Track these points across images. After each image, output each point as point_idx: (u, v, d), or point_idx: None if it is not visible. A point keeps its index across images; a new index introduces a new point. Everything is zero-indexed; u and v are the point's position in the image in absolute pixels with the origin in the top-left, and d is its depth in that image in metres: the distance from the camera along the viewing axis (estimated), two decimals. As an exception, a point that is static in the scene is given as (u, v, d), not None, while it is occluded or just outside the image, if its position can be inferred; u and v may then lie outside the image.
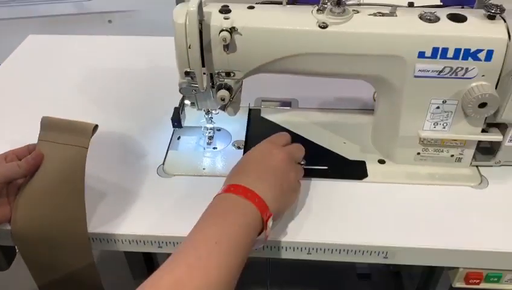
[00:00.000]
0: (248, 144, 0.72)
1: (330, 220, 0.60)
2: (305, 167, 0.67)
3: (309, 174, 0.67)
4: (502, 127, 0.64)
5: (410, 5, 0.63)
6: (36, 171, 0.59)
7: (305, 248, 0.59)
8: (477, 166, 0.68)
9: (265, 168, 0.57)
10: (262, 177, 0.55)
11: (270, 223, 0.52)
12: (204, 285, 0.44)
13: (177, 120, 0.68)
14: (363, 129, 0.74)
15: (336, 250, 0.59)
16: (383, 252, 0.58)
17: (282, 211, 0.58)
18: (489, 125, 0.64)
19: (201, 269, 0.45)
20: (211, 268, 0.45)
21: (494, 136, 0.63)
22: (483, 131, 0.64)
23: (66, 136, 0.60)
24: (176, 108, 0.68)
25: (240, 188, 0.53)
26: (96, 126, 0.61)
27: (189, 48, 0.58)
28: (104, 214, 0.61)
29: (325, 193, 0.64)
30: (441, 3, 0.64)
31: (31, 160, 0.58)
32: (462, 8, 0.63)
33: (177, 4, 0.61)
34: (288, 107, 0.81)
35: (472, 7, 0.64)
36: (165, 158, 0.70)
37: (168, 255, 0.48)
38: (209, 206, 0.52)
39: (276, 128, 0.76)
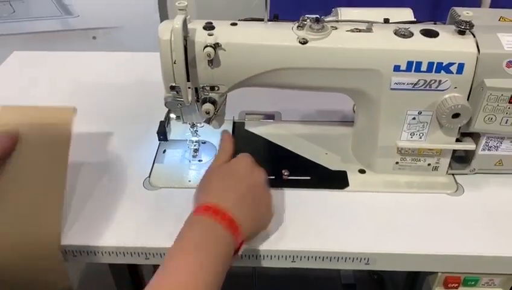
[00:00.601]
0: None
1: (313, 229, 0.62)
2: (288, 177, 0.69)
3: (292, 184, 0.69)
4: (475, 136, 0.67)
5: (386, 21, 0.66)
6: (10, 157, 0.53)
7: (290, 256, 0.60)
8: (453, 174, 0.70)
9: (246, 189, 0.56)
10: (243, 201, 0.54)
11: (241, 251, 0.53)
12: None
13: (162, 133, 0.69)
14: (343, 140, 0.77)
15: (320, 257, 0.60)
16: (364, 259, 0.60)
17: (256, 234, 0.58)
18: (463, 135, 0.67)
19: None
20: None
21: (467, 145, 0.66)
22: (457, 140, 0.67)
23: (46, 116, 0.55)
24: (161, 122, 0.70)
25: (221, 214, 0.51)
26: (75, 108, 0.56)
27: (175, 63, 0.60)
28: (89, 226, 0.62)
29: (308, 202, 0.66)
30: (415, 20, 0.68)
31: (5, 138, 0.53)
32: (435, 24, 0.66)
33: (161, 21, 0.63)
34: (272, 120, 0.83)
35: (444, 23, 0.68)
36: (151, 171, 0.71)
37: (156, 266, 0.49)
38: (188, 227, 0.51)
39: (260, 140, 0.78)
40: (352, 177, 0.70)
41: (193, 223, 0.52)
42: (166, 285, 0.45)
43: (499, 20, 0.66)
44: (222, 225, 0.51)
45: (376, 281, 1.26)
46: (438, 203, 0.66)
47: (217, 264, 0.49)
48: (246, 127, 0.80)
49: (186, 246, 0.49)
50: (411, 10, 0.69)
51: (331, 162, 0.73)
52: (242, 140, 0.78)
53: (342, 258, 0.60)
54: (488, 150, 0.67)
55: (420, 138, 0.66)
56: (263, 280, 1.17)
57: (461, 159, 0.71)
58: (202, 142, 0.76)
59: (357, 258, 0.60)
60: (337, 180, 0.69)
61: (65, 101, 0.87)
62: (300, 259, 0.60)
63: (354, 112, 0.77)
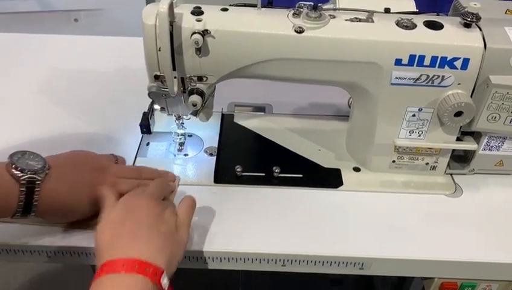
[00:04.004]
0: (221, 151, 0.70)
1: (305, 231, 0.59)
2: (279, 175, 0.65)
3: (283, 182, 0.65)
4: (476, 136, 0.64)
5: (387, 11, 0.62)
6: None
7: (280, 260, 0.57)
8: (451, 174, 0.67)
9: (132, 225, 0.48)
10: (133, 237, 0.46)
11: (164, 280, 0.44)
12: None
13: (145, 126, 0.64)
14: (337, 136, 0.73)
15: (311, 261, 0.57)
16: (358, 263, 0.57)
17: (178, 254, 0.49)
18: (464, 134, 0.64)
19: None
20: None
21: (469, 145, 0.63)
22: (458, 139, 0.63)
23: None
24: (144, 113, 0.65)
25: (112, 263, 0.43)
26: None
27: (159, 50, 0.55)
28: (67, 225, 0.57)
29: (300, 202, 0.62)
30: (417, 10, 0.64)
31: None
32: (438, 15, 0.62)
33: (147, 4, 0.58)
34: (262, 113, 0.79)
35: (447, 14, 0.64)
36: (133, 165, 0.66)
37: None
38: None
39: (250, 134, 0.74)
40: (347, 175, 0.66)
41: (95, 287, 0.43)
42: None
43: (505, 13, 0.62)
44: (119, 272, 0.43)
45: (365, 277, 1.24)
46: (435, 204, 0.63)
47: None
48: (235, 120, 0.76)
49: None
50: (413, 0, 0.65)
51: (324, 159, 0.69)
52: (231, 134, 0.74)
53: (335, 262, 0.57)
54: (489, 150, 0.64)
55: (419, 136, 0.63)
56: (248, 272, 1.14)
57: (460, 159, 0.68)
58: (188, 135, 0.72)
59: (350, 263, 0.57)
60: (330, 178, 0.66)
61: (42, 87, 0.82)
62: (291, 263, 0.57)
63: (350, 106, 0.74)
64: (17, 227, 0.56)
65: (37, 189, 0.49)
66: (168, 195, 0.57)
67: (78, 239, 0.56)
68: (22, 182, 0.48)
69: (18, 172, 0.48)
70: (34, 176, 0.49)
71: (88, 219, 0.55)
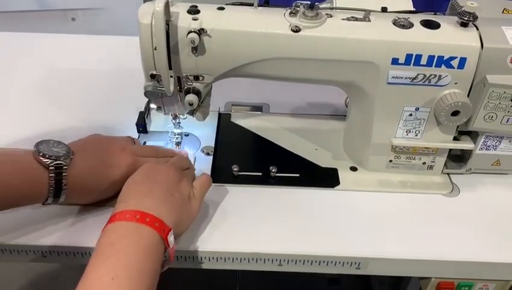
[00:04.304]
0: (218, 150, 0.70)
1: (302, 230, 0.58)
2: (276, 174, 0.65)
3: (280, 182, 0.65)
4: (473, 135, 0.64)
5: (384, 10, 0.62)
6: None
7: (276, 260, 0.57)
8: (448, 174, 0.67)
9: (150, 185, 0.52)
10: (149, 195, 0.50)
11: (171, 237, 0.48)
12: None
13: (142, 125, 0.64)
14: (334, 135, 0.73)
15: (308, 261, 0.57)
16: (355, 263, 0.57)
17: (185, 222, 0.53)
18: (461, 133, 0.64)
19: None
20: None
21: (466, 145, 0.63)
22: (455, 138, 0.63)
23: None
24: (141, 112, 0.65)
25: (126, 213, 0.47)
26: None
27: (155, 49, 0.55)
28: (64, 225, 0.57)
29: (297, 202, 0.62)
30: (414, 9, 0.63)
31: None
32: (435, 14, 0.62)
33: (144, 3, 0.57)
34: (259, 112, 0.78)
35: (444, 13, 0.64)
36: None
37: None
38: (97, 242, 0.46)
39: (247, 133, 0.74)
40: (344, 175, 0.66)
41: (100, 236, 0.47)
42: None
43: (503, 12, 0.62)
44: (130, 220, 0.47)
45: (362, 277, 1.24)
46: (432, 204, 0.63)
47: (138, 262, 0.44)
48: (232, 119, 0.76)
49: (97, 256, 0.44)
50: (410, -1, 0.65)
51: (321, 158, 0.69)
52: (228, 133, 0.74)
53: (332, 262, 0.57)
54: (486, 149, 0.64)
55: (416, 135, 0.63)
56: (246, 272, 1.14)
57: (457, 158, 0.68)
58: (185, 135, 0.71)
59: (347, 263, 0.57)
60: (327, 178, 0.66)
61: (38, 86, 0.81)
62: (288, 263, 0.57)
63: (347, 105, 0.74)
64: (12, 226, 0.56)
65: (64, 174, 0.51)
66: (190, 171, 0.60)
67: (75, 239, 0.56)
68: (51, 168, 0.51)
69: (46, 159, 0.51)
70: (60, 161, 0.51)
71: (109, 199, 0.57)
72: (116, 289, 0.41)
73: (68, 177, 0.52)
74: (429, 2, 0.94)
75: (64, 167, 0.51)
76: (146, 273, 0.44)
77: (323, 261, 0.57)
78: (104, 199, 0.57)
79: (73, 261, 0.56)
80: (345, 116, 0.73)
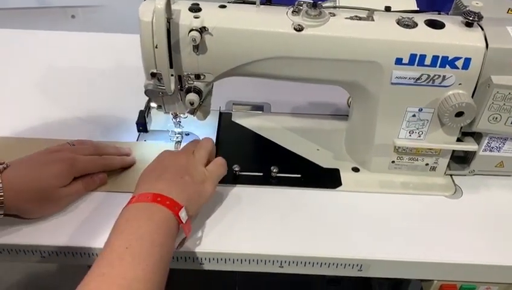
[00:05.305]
0: (218, 150, 0.69)
1: (303, 232, 0.58)
2: (277, 175, 0.65)
3: (281, 182, 0.64)
4: (476, 136, 0.63)
5: (387, 9, 0.61)
6: None
7: (277, 261, 0.56)
8: (451, 175, 0.67)
9: (160, 170, 0.56)
10: (160, 178, 0.54)
11: (182, 214, 0.51)
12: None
13: (142, 124, 0.64)
14: (336, 135, 0.72)
15: (309, 263, 0.56)
16: (357, 265, 0.56)
17: (197, 202, 0.55)
18: (464, 134, 0.63)
19: (116, 277, 0.43)
20: (126, 273, 0.43)
21: (469, 146, 0.62)
22: (458, 140, 0.63)
23: None
24: (141, 111, 0.65)
25: (138, 196, 0.51)
26: None
27: (156, 47, 0.54)
28: (66, 225, 0.57)
29: (298, 203, 0.62)
30: (418, 9, 0.63)
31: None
32: (439, 14, 0.61)
33: (144, 0, 0.57)
34: (261, 112, 0.78)
35: (447, 13, 0.63)
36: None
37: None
38: (114, 224, 0.49)
39: (248, 133, 0.73)
40: (345, 175, 0.66)
41: (117, 219, 0.50)
42: (103, 265, 0.44)
43: (508, 12, 0.61)
44: (142, 201, 0.50)
45: (362, 277, 1.23)
46: (435, 206, 0.62)
47: (151, 234, 0.47)
48: (233, 119, 0.75)
49: (112, 232, 0.48)
50: (414, -2, 0.64)
51: (323, 159, 0.68)
52: (228, 132, 0.73)
53: (333, 264, 0.56)
54: (490, 150, 0.64)
55: (419, 136, 0.62)
56: (246, 272, 1.14)
57: (460, 160, 0.67)
58: (185, 134, 0.71)
59: (349, 265, 0.56)
60: (329, 179, 0.65)
61: (37, 84, 0.81)
62: (289, 264, 0.56)
63: (349, 105, 0.73)
64: (13, 226, 0.55)
65: None
66: (202, 154, 0.60)
67: (73, 239, 0.55)
68: None
69: None
70: None
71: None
72: (130, 257, 0.44)
73: (3, 181, 0.52)
74: (432, 1, 0.93)
75: None
76: (158, 244, 0.47)
77: (325, 263, 0.56)
78: (51, 209, 0.57)
79: (80, 261, 0.56)
80: (347, 116, 0.73)
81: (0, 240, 0.55)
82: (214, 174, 0.58)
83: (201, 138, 0.70)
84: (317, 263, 0.56)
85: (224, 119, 0.75)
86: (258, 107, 0.79)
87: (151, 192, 0.51)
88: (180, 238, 0.52)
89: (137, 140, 0.70)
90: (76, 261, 0.56)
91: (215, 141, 0.70)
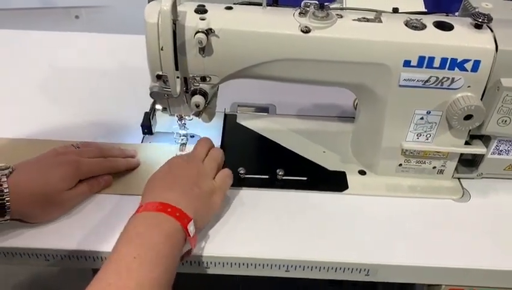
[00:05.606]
0: (223, 152, 0.68)
1: (310, 235, 0.57)
2: (283, 177, 0.64)
3: (287, 185, 0.64)
4: (485, 139, 0.62)
5: (395, 10, 0.60)
6: None
7: (283, 266, 0.56)
8: (458, 178, 0.66)
9: (171, 179, 0.55)
10: (170, 188, 0.53)
11: (191, 227, 0.50)
12: None
13: (147, 126, 0.63)
14: (342, 138, 0.71)
15: (316, 267, 0.56)
16: (364, 270, 0.56)
17: (206, 215, 0.55)
18: (472, 137, 0.62)
19: (122, 287, 0.43)
20: (132, 283, 0.43)
21: (477, 149, 0.61)
22: (466, 143, 0.62)
23: None
24: (146, 113, 0.64)
25: (148, 205, 0.50)
26: None
27: (162, 49, 0.54)
28: (70, 228, 0.56)
29: (305, 206, 0.61)
30: (425, 10, 0.62)
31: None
32: (447, 15, 0.61)
33: (149, 1, 0.56)
34: (266, 113, 0.77)
35: (453, 14, 0.62)
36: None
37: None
38: (122, 231, 0.49)
39: (253, 135, 0.72)
40: (352, 178, 0.65)
41: (125, 226, 0.50)
42: (110, 274, 0.44)
43: (517, 13, 0.61)
44: (151, 211, 0.50)
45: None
46: (443, 209, 0.62)
47: (158, 246, 0.47)
48: (238, 120, 0.75)
49: (120, 240, 0.48)
50: (422, 0, 0.63)
51: (329, 161, 0.68)
52: (233, 134, 0.72)
53: (340, 268, 0.56)
54: (498, 154, 0.63)
55: (427, 139, 0.61)
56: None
57: (468, 163, 0.66)
58: (191, 136, 0.70)
59: (356, 269, 0.56)
60: (335, 181, 0.64)
61: (41, 85, 0.80)
62: (295, 269, 0.56)
63: (355, 107, 0.72)
64: (17, 230, 0.55)
65: (4, 180, 0.51)
66: (212, 163, 0.60)
67: (78, 243, 0.55)
68: None
69: None
70: None
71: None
72: (137, 267, 0.44)
73: (9, 185, 0.51)
74: (438, 2, 0.92)
75: (2, 176, 0.52)
76: (165, 256, 0.47)
77: (332, 268, 0.56)
78: (55, 213, 0.57)
79: (85, 265, 0.55)
80: (353, 118, 0.72)
81: (5, 244, 0.54)
82: (222, 186, 0.58)
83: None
84: (324, 268, 0.56)
85: (229, 121, 0.74)
86: (263, 109, 0.78)
87: (160, 201, 0.50)
88: (185, 249, 0.51)
89: (142, 142, 0.69)
90: (81, 265, 0.55)
91: (220, 144, 0.70)
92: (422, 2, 0.63)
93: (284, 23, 0.55)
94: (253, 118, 0.76)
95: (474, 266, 0.55)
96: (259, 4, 0.58)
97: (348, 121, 0.75)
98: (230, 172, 0.60)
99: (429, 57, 0.54)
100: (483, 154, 0.63)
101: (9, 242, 0.54)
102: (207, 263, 0.55)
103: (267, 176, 0.65)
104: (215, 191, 0.57)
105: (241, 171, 0.64)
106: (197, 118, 0.63)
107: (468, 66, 0.55)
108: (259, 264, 0.55)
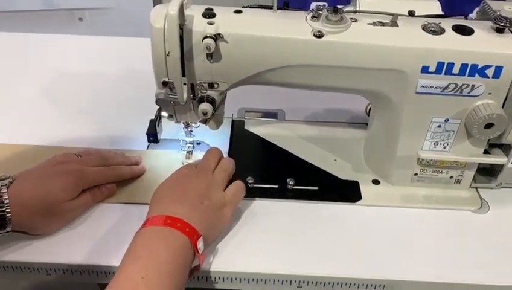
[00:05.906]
0: (231, 158, 0.66)
1: (322, 249, 0.55)
2: (293, 187, 0.62)
3: (298, 195, 0.61)
4: (505, 148, 0.60)
5: (411, 13, 0.58)
6: None
7: (295, 281, 0.53)
8: (476, 188, 0.63)
9: (180, 192, 0.53)
10: (180, 201, 0.51)
11: (200, 244, 0.49)
12: None
13: (153, 134, 0.61)
14: (355, 145, 0.69)
15: (329, 283, 0.53)
16: (380, 286, 0.53)
17: (215, 229, 0.53)
18: (492, 146, 0.60)
19: None
20: None
21: (499, 159, 0.59)
22: (485, 152, 0.59)
23: None
24: (151, 120, 0.62)
25: (157, 218, 0.49)
26: None
27: (168, 55, 0.51)
28: (73, 240, 0.54)
29: (316, 218, 0.59)
30: (443, 13, 0.59)
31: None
32: (466, 19, 0.58)
33: (154, 4, 0.54)
34: (274, 119, 0.75)
35: (467, 17, 0.60)
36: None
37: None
38: (129, 245, 0.47)
39: (261, 142, 0.70)
40: (366, 189, 0.62)
41: (132, 239, 0.48)
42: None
43: (538, 17, 0.58)
44: (161, 225, 0.48)
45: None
46: (460, 221, 0.59)
47: (167, 264, 0.45)
48: (246, 127, 0.72)
49: (128, 256, 0.46)
50: (438, 2, 0.61)
51: (341, 170, 0.65)
52: (241, 141, 0.70)
53: (355, 284, 0.53)
54: (519, 163, 0.60)
55: (444, 148, 0.59)
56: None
57: (486, 172, 0.63)
58: (197, 143, 0.68)
59: (371, 285, 0.53)
60: (348, 192, 0.62)
61: (45, 89, 0.78)
62: (307, 284, 0.53)
63: (367, 113, 0.70)
64: (17, 243, 0.53)
65: (4, 191, 0.50)
66: (222, 175, 0.57)
67: (82, 257, 0.52)
68: None
69: None
70: None
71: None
72: (145, 288, 0.43)
73: (9, 195, 0.50)
74: (452, 4, 0.90)
75: (2, 187, 0.50)
76: (174, 275, 0.45)
77: (345, 284, 0.53)
78: (57, 224, 0.55)
79: (88, 280, 0.53)
80: (366, 124, 0.70)
81: (5, 258, 0.52)
82: (233, 199, 0.56)
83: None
84: (337, 283, 0.53)
85: (237, 128, 0.72)
86: (272, 115, 0.76)
87: (168, 215, 0.49)
88: (194, 264, 0.49)
89: (147, 148, 0.67)
90: (84, 279, 0.53)
91: (228, 151, 0.68)
92: (439, 5, 0.60)
93: (296, 27, 0.53)
94: (261, 124, 0.73)
95: (495, 282, 0.53)
96: (270, 7, 0.55)
97: (360, 127, 0.72)
98: (243, 185, 0.58)
99: (448, 63, 0.52)
100: (503, 164, 0.60)
101: (9, 257, 0.52)
102: (215, 278, 0.53)
103: (276, 186, 0.62)
104: (225, 204, 0.55)
105: (250, 181, 0.61)
106: (204, 125, 0.61)
107: (490, 72, 0.52)
108: (270, 280, 0.53)
